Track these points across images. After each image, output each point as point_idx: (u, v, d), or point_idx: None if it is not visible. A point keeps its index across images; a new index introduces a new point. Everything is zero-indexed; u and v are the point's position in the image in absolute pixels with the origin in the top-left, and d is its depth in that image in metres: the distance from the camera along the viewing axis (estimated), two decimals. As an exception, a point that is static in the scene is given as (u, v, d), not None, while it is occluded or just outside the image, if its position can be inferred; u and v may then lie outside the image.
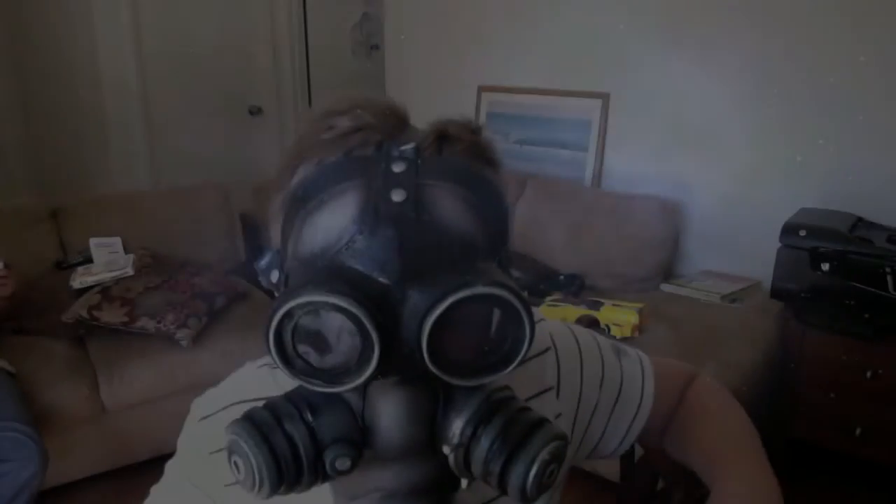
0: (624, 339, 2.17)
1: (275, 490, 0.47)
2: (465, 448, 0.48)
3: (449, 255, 0.48)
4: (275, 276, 0.54)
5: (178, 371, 2.25)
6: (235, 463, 0.48)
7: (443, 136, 0.53)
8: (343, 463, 0.47)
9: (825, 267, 2.11)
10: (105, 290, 2.30)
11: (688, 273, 2.78)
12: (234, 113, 3.99)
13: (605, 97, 2.88)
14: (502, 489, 0.48)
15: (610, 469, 2.06)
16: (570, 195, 2.80)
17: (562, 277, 2.61)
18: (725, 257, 2.71)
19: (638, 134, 2.84)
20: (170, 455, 0.72)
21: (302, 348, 0.47)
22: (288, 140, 4.18)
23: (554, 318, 0.88)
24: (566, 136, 3.02)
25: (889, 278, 2.02)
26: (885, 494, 2.19)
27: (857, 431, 2.10)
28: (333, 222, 0.49)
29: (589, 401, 0.76)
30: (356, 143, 0.52)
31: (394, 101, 0.55)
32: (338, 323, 0.48)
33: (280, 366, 0.47)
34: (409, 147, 0.50)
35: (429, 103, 0.61)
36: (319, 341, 0.49)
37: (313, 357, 0.48)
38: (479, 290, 0.45)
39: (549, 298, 2.37)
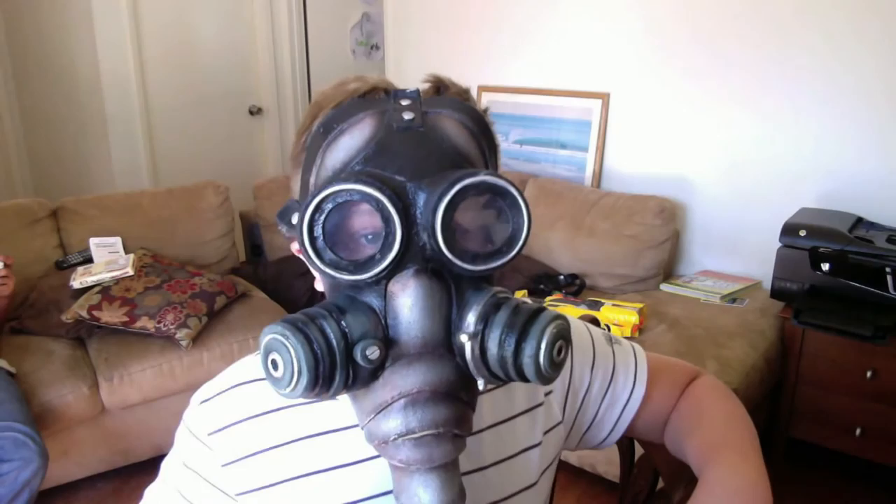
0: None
1: (312, 384, 0.50)
2: (480, 337, 0.53)
3: (452, 160, 0.56)
4: (295, 218, 0.57)
5: (178, 371, 2.25)
6: (273, 361, 0.51)
7: (438, 84, 0.63)
8: (373, 351, 0.51)
9: (825, 267, 2.11)
10: (105, 290, 2.30)
11: (688, 273, 2.78)
12: (234, 113, 3.99)
13: (605, 97, 2.89)
14: (518, 372, 0.53)
15: (610, 469, 2.06)
16: (570, 195, 2.80)
17: (562, 277, 2.61)
18: (725, 257, 2.71)
19: (638, 134, 2.84)
20: (170, 454, 0.73)
21: (331, 242, 0.52)
22: (288, 140, 4.21)
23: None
24: (566, 136, 3.02)
25: (889, 278, 2.02)
26: (885, 494, 2.19)
27: (857, 431, 2.11)
28: (353, 142, 0.56)
29: (581, 381, 0.78)
30: (367, 90, 0.60)
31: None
32: (363, 220, 0.54)
33: (311, 257, 0.52)
34: (412, 90, 0.59)
35: (429, 103, 0.66)
36: (346, 238, 0.54)
37: (341, 251, 0.53)
38: (483, 178, 0.52)
39: (549, 298, 2.37)
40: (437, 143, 0.56)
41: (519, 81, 3.14)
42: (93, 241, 2.56)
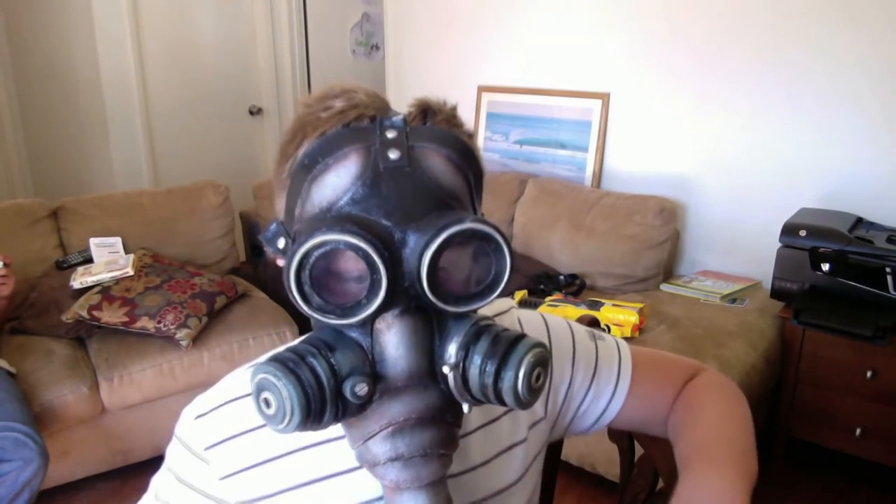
0: (624, 339, 2.17)
1: (304, 421, 0.52)
2: (462, 366, 0.55)
3: (439, 201, 0.56)
4: (281, 242, 0.60)
5: (178, 371, 2.25)
6: (265, 400, 0.53)
7: (425, 109, 0.61)
8: (361, 388, 0.53)
9: (825, 267, 2.11)
10: (105, 290, 2.30)
11: (688, 273, 2.78)
12: (234, 113, 3.99)
13: (605, 97, 2.89)
14: (499, 398, 0.55)
15: (610, 469, 2.06)
16: (570, 195, 2.80)
17: (562, 277, 2.61)
18: (725, 257, 2.71)
19: (638, 134, 2.84)
20: (170, 455, 0.72)
21: (318, 287, 0.53)
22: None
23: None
24: (566, 136, 3.02)
25: (889, 278, 2.02)
26: (885, 494, 2.19)
27: (857, 431, 2.11)
28: (339, 180, 0.56)
29: (561, 377, 0.79)
30: (353, 118, 0.59)
31: (374, 90, 0.63)
32: (349, 264, 0.55)
33: (299, 303, 0.53)
34: (398, 118, 0.58)
35: (429, 103, 0.65)
36: (333, 281, 0.55)
37: (328, 295, 0.54)
38: (469, 225, 0.53)
39: (549, 299, 2.37)
40: (425, 184, 0.56)
41: (519, 81, 3.14)
42: (93, 241, 2.56)
